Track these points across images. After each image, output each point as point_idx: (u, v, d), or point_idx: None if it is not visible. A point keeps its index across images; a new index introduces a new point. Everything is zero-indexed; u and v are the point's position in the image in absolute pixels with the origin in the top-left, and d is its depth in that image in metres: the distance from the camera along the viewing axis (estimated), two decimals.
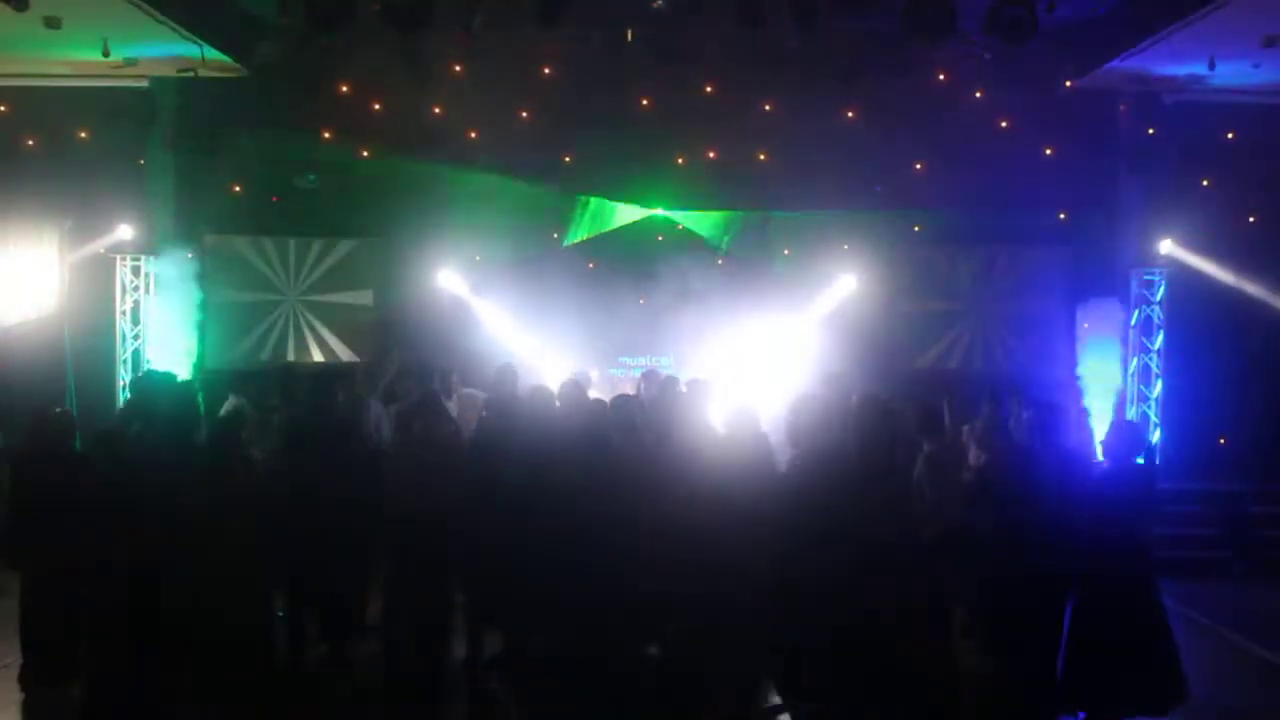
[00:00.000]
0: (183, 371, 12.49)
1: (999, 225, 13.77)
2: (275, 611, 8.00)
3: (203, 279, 13.55)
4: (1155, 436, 13.44)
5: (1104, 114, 13.13)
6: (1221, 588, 11.30)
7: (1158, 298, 13.57)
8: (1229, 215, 13.26)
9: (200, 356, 13.54)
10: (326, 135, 13.31)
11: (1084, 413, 13.07)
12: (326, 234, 14.03)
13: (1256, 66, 11.91)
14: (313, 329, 14.01)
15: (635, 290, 13.68)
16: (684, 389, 9.08)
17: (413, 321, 13.49)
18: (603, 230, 13.89)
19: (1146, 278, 13.56)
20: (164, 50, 11.77)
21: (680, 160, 13.59)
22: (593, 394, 9.20)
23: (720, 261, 13.96)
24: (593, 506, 6.95)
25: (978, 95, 12.90)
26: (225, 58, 12.03)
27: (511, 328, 13.49)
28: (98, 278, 13.39)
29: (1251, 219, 13.61)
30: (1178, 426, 13.42)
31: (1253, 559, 12.13)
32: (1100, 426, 12.01)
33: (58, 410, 8.36)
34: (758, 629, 7.09)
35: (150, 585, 7.13)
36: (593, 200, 13.78)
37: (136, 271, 13.56)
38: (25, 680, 7.89)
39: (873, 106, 13.06)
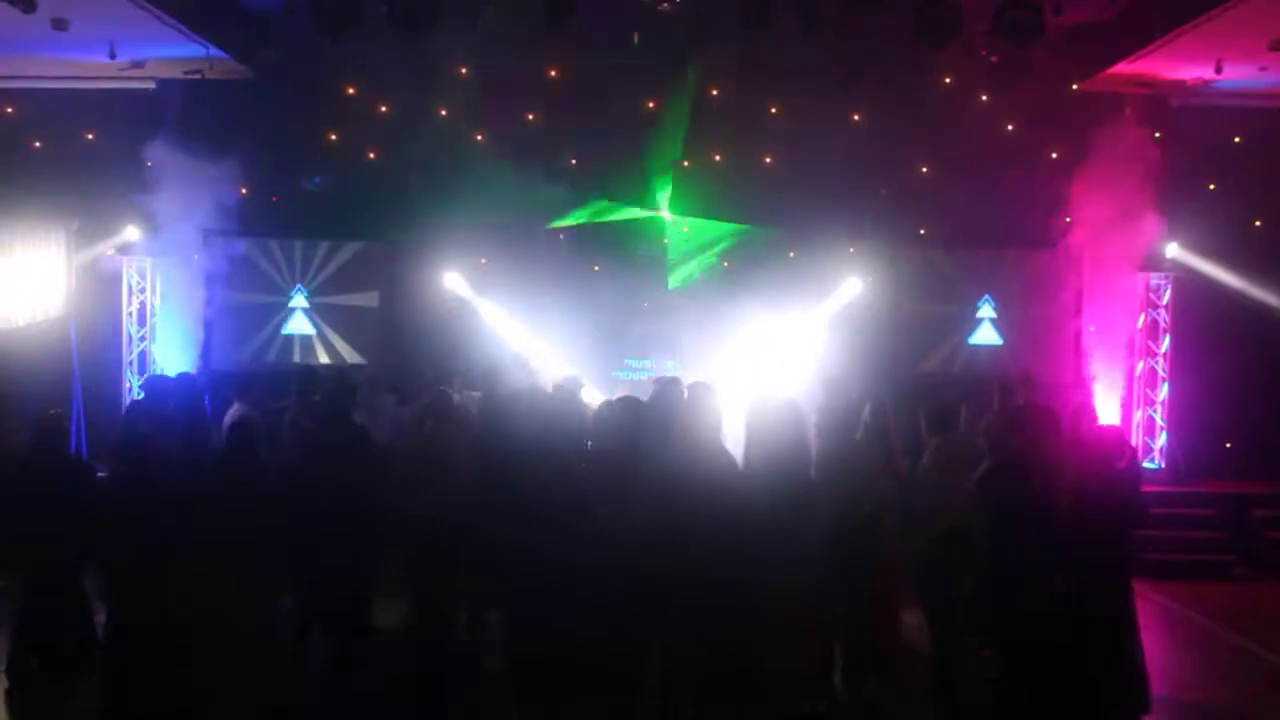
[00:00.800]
0: (189, 373, 12.49)
1: (1005, 228, 13.75)
2: (284, 612, 8.01)
3: (209, 281, 13.57)
4: (1161, 440, 13.44)
5: (1110, 117, 13.12)
6: (1225, 590, 11.28)
7: (1164, 301, 13.56)
8: (1235, 219, 13.25)
9: (206, 358, 13.57)
10: (333, 137, 13.34)
11: (1092, 415, 13.03)
12: (333, 236, 14.05)
13: (1263, 70, 11.90)
14: (319, 331, 14.04)
15: (641, 293, 13.69)
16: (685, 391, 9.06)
17: (419, 323, 13.51)
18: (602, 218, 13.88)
19: (1153, 281, 13.55)
20: (171, 52, 11.79)
21: (686, 163, 13.61)
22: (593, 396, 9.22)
23: (726, 264, 13.97)
24: (604, 505, 6.93)
25: (984, 98, 12.89)
26: (232, 60, 12.06)
27: (517, 329, 13.49)
28: (104, 279, 13.43)
29: (1258, 223, 13.60)
30: (1183, 430, 13.41)
31: (1257, 561, 12.11)
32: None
33: (51, 412, 8.35)
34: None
35: (160, 586, 7.14)
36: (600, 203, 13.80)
37: (143, 273, 13.60)
38: (12, 675, 7.92)
39: (878, 109, 13.08)
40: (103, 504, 7.42)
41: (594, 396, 11.16)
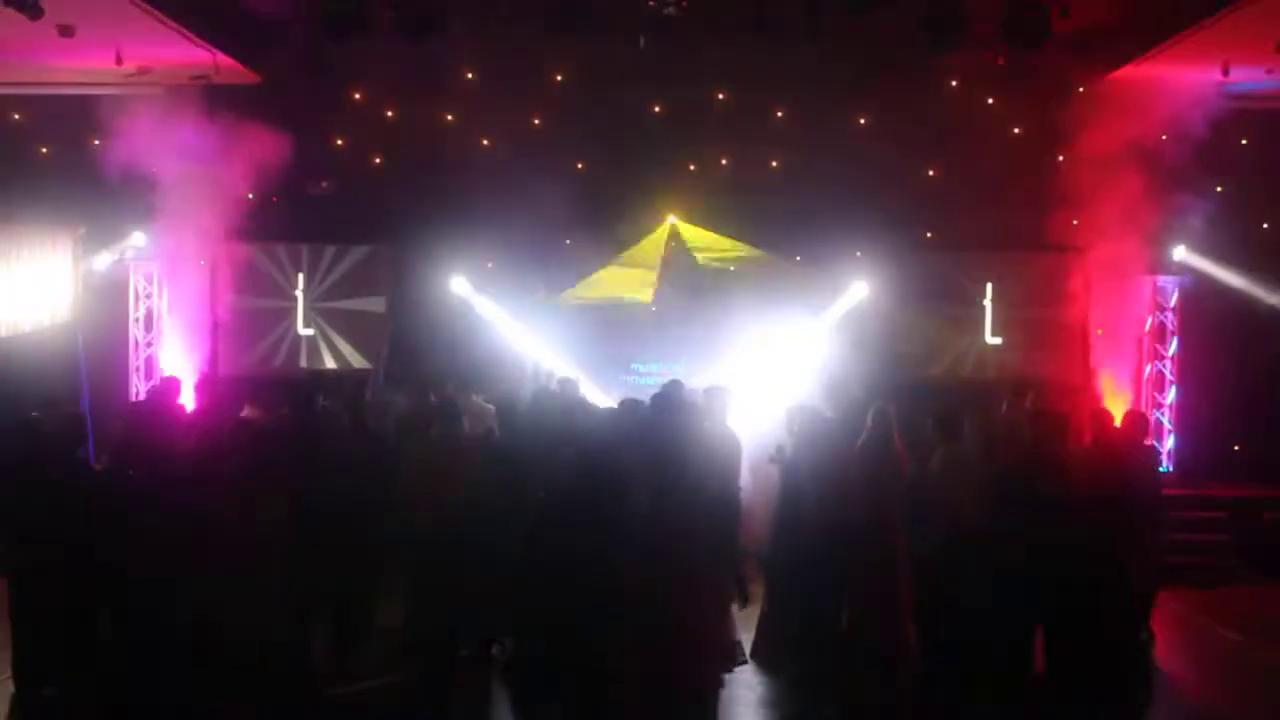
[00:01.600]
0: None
1: (1012, 231, 13.72)
2: (288, 618, 7.99)
3: (215, 286, 13.57)
4: (1169, 442, 13.41)
5: (1116, 119, 13.08)
6: (1233, 594, 11.25)
7: (1171, 304, 13.54)
8: (1243, 221, 13.22)
9: (213, 363, 13.56)
10: (339, 142, 13.33)
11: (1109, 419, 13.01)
12: (339, 240, 14.05)
13: (1270, 72, 11.88)
14: (325, 335, 14.03)
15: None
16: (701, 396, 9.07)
17: (425, 328, 13.50)
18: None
19: (1160, 284, 13.52)
20: (177, 58, 11.79)
21: (692, 167, 13.59)
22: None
23: (732, 268, 13.93)
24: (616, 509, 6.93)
25: (990, 100, 12.87)
26: (238, 65, 12.06)
27: (523, 334, 13.47)
28: (111, 285, 13.44)
29: (1265, 225, 13.58)
30: (1191, 432, 13.38)
31: (1266, 565, 12.06)
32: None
33: (37, 416, 8.36)
34: None
35: (166, 591, 7.14)
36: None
37: (149, 279, 13.61)
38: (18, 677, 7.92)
39: (885, 112, 13.07)
40: (103, 505, 7.41)
41: (598, 400, 11.18)
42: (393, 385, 10.34)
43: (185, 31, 10.97)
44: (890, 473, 8.17)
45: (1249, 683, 8.62)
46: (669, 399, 7.22)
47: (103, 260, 13.34)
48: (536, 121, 13.20)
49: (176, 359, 13.31)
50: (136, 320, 13.62)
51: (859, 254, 13.72)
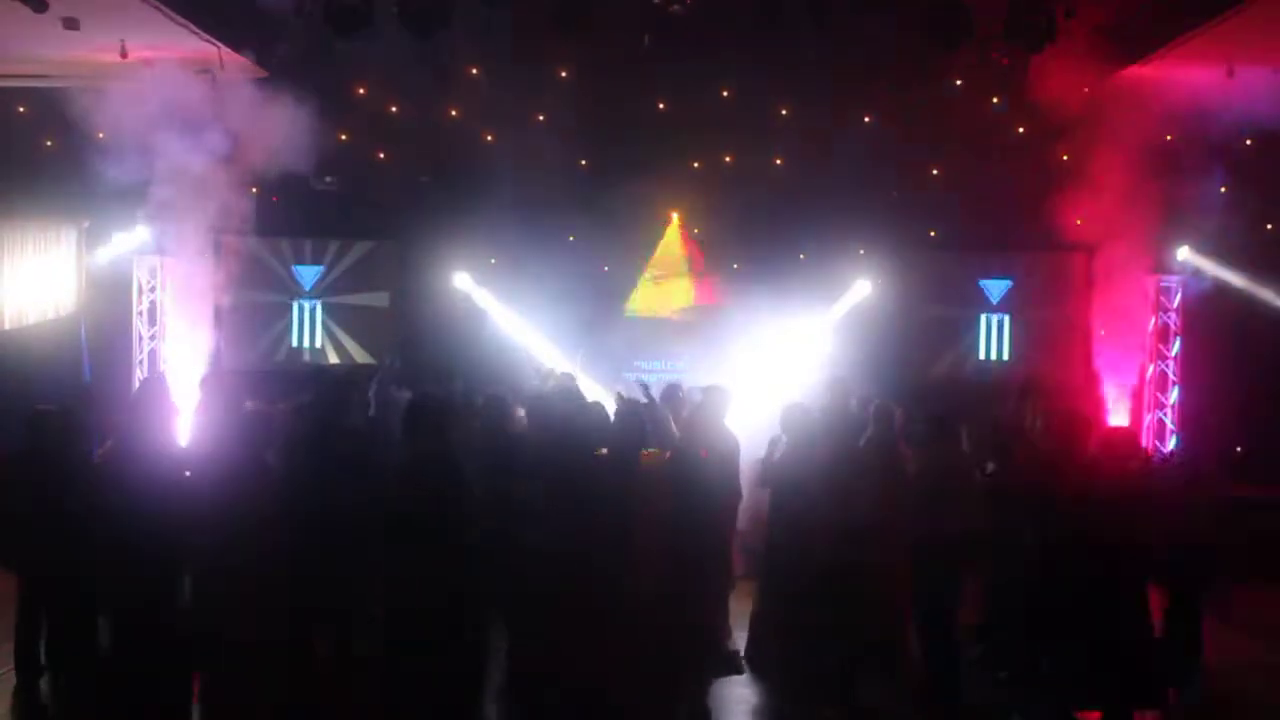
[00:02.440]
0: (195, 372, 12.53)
1: (1016, 230, 13.71)
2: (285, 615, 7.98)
3: (218, 280, 13.59)
4: (1172, 443, 13.41)
5: (1120, 120, 13.06)
6: (1237, 595, 11.22)
7: (1175, 304, 13.52)
8: (1247, 221, 13.18)
9: (216, 357, 13.58)
10: (344, 137, 13.33)
11: (1104, 418, 13.02)
12: (343, 235, 14.06)
13: (1276, 72, 11.85)
14: (329, 330, 14.05)
15: None
16: (700, 395, 9.09)
17: (428, 324, 13.52)
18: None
19: (1164, 284, 13.51)
20: (182, 51, 11.79)
21: (696, 164, 13.59)
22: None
23: (735, 266, 13.95)
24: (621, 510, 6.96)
25: (995, 100, 12.85)
26: (243, 59, 12.06)
27: (526, 331, 13.49)
28: (115, 278, 13.45)
29: (1269, 226, 13.56)
30: (1194, 433, 13.35)
31: (1267, 566, 12.04)
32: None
33: (50, 410, 8.36)
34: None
35: (172, 586, 7.16)
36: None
37: (153, 272, 13.62)
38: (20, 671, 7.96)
39: (889, 111, 13.06)
40: (104, 499, 7.42)
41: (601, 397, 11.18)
42: (396, 381, 10.29)
43: (190, 25, 10.97)
44: (892, 471, 8.20)
45: (1250, 685, 8.61)
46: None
47: (106, 254, 13.36)
48: (540, 118, 13.20)
49: (179, 353, 13.32)
50: (140, 314, 13.64)
51: (862, 252, 13.73)
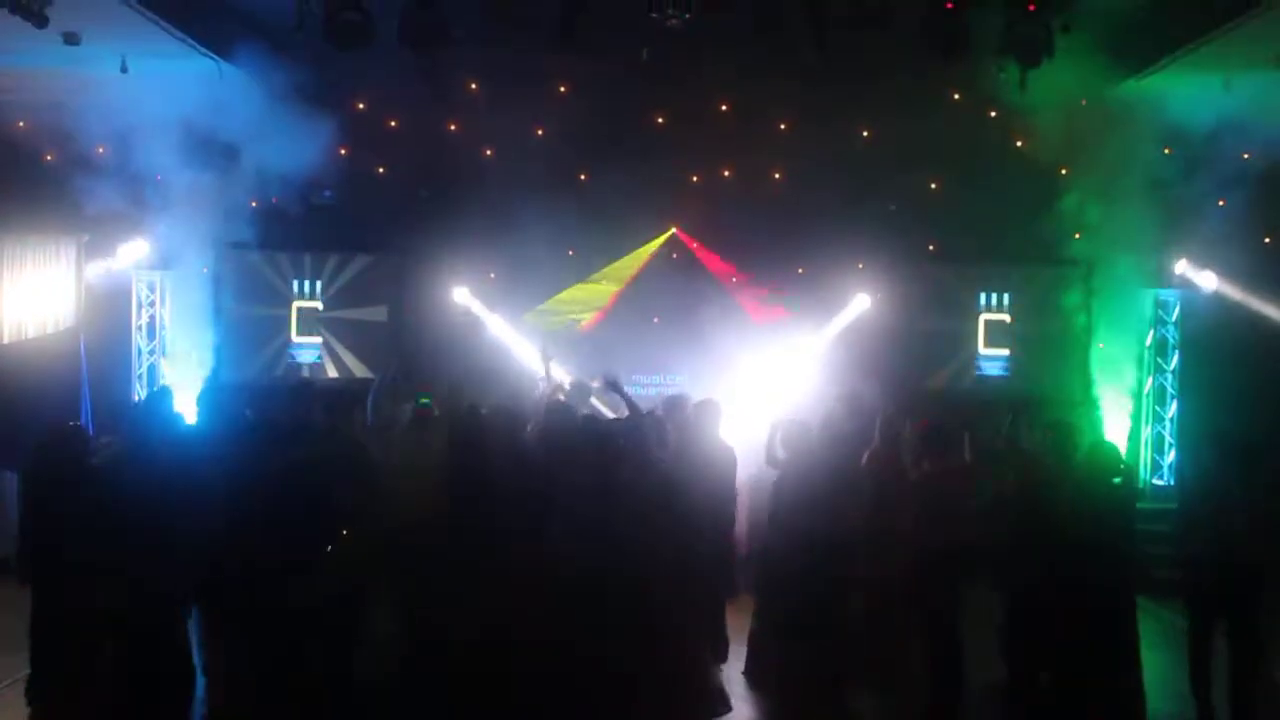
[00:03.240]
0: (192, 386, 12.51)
1: (1014, 244, 13.71)
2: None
3: (218, 294, 13.60)
4: (1171, 456, 13.41)
5: (1119, 133, 13.09)
6: None
7: (1173, 318, 13.53)
8: (1245, 236, 13.19)
9: (215, 371, 13.58)
10: (343, 151, 13.36)
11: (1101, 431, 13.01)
12: (342, 249, 14.07)
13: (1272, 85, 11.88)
14: (327, 344, 14.03)
15: (649, 308, 13.70)
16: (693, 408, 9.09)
17: (427, 337, 13.52)
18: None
19: (1162, 298, 13.52)
20: (182, 66, 11.83)
21: (695, 178, 13.61)
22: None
23: (735, 279, 13.95)
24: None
25: (993, 113, 12.88)
26: (242, 74, 12.10)
27: (524, 345, 13.48)
28: (114, 293, 13.46)
29: (1267, 239, 13.56)
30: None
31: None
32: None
33: (70, 425, 8.37)
34: None
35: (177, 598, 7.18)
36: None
37: (152, 286, 13.63)
38: (31, 694, 7.90)
39: (888, 125, 13.08)
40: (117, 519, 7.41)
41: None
42: (393, 396, 10.26)
43: (190, 41, 11.01)
44: (893, 484, 8.20)
45: (1249, 695, 8.57)
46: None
47: (106, 268, 13.36)
48: (539, 132, 13.22)
49: (178, 367, 13.32)
50: (139, 328, 13.65)
51: (861, 266, 13.73)
